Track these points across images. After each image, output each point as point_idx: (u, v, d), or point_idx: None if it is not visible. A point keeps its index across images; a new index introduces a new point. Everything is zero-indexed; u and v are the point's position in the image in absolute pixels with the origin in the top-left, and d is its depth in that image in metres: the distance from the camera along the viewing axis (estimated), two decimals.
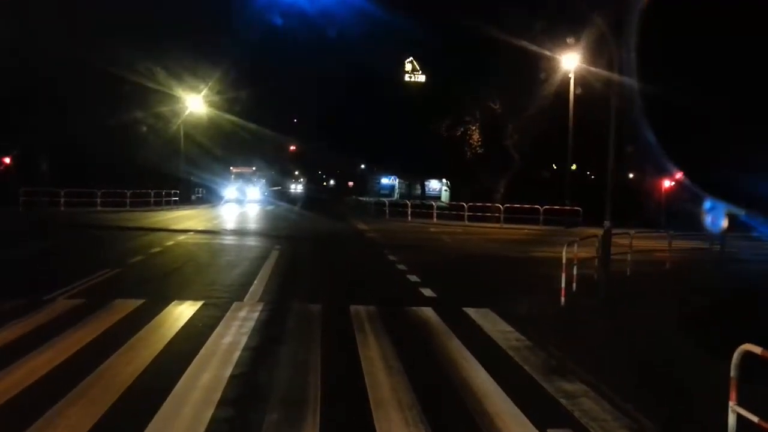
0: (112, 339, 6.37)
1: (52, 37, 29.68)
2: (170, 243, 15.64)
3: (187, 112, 37.69)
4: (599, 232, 23.85)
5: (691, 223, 23.93)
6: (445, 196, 64.00)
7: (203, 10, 42.16)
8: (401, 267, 12.64)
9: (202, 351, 6.05)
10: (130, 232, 18.97)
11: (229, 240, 17.43)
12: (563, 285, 9.11)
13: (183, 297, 8.66)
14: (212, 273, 11.07)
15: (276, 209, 36.20)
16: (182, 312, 7.75)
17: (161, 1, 37.83)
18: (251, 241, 17.10)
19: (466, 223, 26.63)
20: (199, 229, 20.58)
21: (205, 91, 38.69)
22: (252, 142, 51.80)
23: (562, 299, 9.03)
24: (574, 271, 9.96)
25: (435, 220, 27.89)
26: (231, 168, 45.99)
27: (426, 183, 70.03)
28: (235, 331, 6.86)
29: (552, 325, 7.93)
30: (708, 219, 19.59)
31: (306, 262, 13.61)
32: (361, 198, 54.76)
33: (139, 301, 8.22)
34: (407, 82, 70.32)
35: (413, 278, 11.17)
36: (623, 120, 25.58)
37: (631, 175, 40.90)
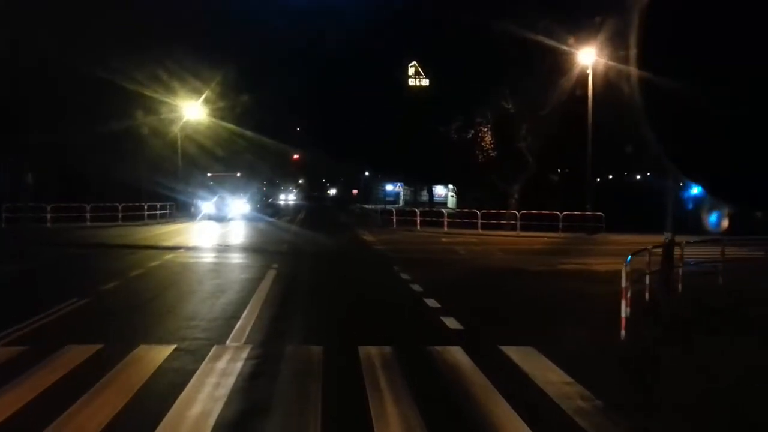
0: (41, 411, 4.70)
1: (41, 43, 28.31)
2: (155, 263, 13.98)
3: (183, 121, 35.96)
4: (625, 239, 22.01)
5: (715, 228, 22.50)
6: (451, 201, 62.28)
7: (202, 14, 40.76)
8: (416, 288, 10.95)
9: (159, 430, 4.37)
10: (116, 250, 17.33)
11: (221, 258, 15.71)
12: (624, 314, 7.34)
13: (152, 339, 7.00)
14: (194, 303, 9.37)
15: (270, 227, 29.61)
16: (146, 363, 6.06)
17: (157, 10, 36.60)
18: (246, 260, 15.42)
19: (480, 231, 24.86)
20: (191, 245, 18.94)
21: (204, 100, 37.14)
22: (254, 151, 50.26)
23: (623, 332, 7.28)
24: (628, 294, 8.22)
25: (446, 228, 26.13)
26: (208, 174, 36.58)
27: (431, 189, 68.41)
28: (209, 394, 5.17)
29: (621, 371, 6.21)
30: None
31: (306, 284, 11.88)
32: (365, 206, 53.18)
33: (96, 347, 6.55)
34: (411, 86, 68.92)
35: (432, 303, 9.46)
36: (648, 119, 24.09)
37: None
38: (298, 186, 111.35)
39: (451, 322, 8.07)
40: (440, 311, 8.82)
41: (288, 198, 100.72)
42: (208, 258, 15.56)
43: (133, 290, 10.58)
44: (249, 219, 34.36)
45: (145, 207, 29.20)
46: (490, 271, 13.99)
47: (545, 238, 22.94)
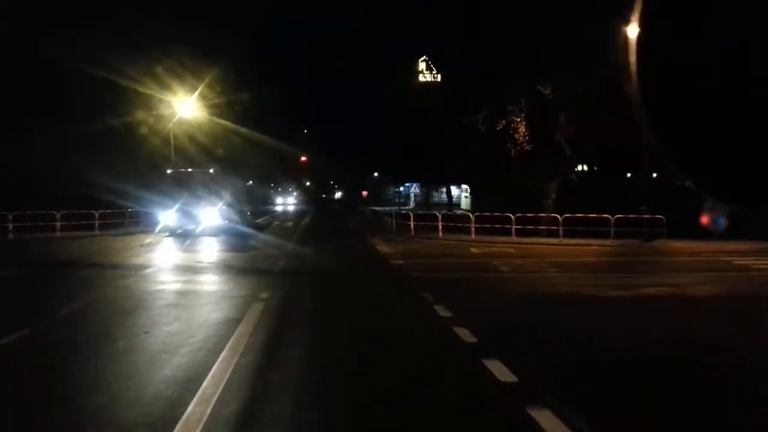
0: None
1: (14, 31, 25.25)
2: (105, 291, 10.49)
3: (176, 118, 32.45)
4: (692, 247, 18.21)
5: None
6: (465, 203, 58.86)
7: (201, 12, 37.69)
8: (463, 334, 7.34)
9: None
10: (67, 269, 13.85)
11: (195, 284, 11.95)
12: None
13: None
14: (121, 377, 5.79)
15: (261, 241, 22.14)
16: None
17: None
18: (227, 285, 11.84)
19: (514, 239, 21.13)
20: (165, 263, 15.43)
21: (203, 98, 33.84)
22: (252, 149, 47.11)
23: None
24: None
25: (473, 235, 22.40)
26: (168, 171, 25.83)
27: (442, 189, 64.70)
28: None
29: None
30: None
31: (304, 330, 8.12)
32: (376, 208, 49.69)
33: None
34: (422, 82, 65.68)
35: (499, 369, 5.84)
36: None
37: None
38: (301, 187, 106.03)
39: (551, 423, 4.46)
40: (521, 392, 5.22)
41: (287, 201, 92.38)
42: (178, 283, 11.86)
43: (46, 345, 7.06)
44: (228, 232, 24.19)
45: (126, 214, 25.60)
46: (555, 301, 10.30)
47: (594, 247, 19.24)
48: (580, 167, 31.15)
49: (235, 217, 26.22)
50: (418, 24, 43.23)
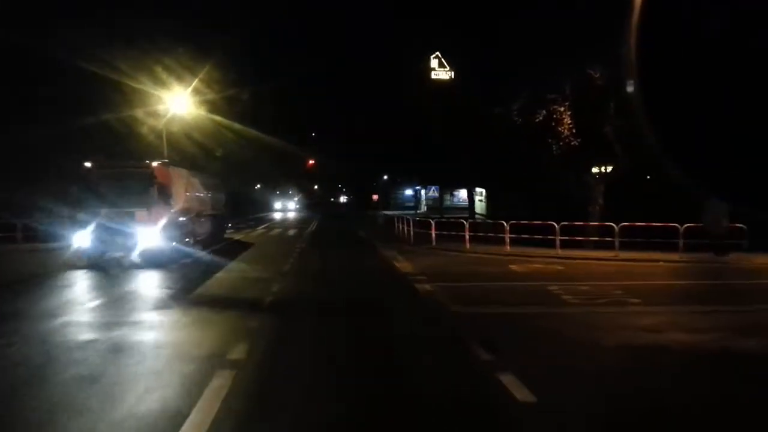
0: None
1: None
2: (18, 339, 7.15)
3: (169, 115, 29.34)
4: None
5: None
6: (480, 206, 55.41)
7: (201, 10, 34.98)
8: None
9: None
10: None
11: (142, 329, 8.39)
12: None
13: None
14: None
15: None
16: None
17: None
18: (188, 329, 8.40)
19: (560, 251, 17.57)
20: (126, 289, 12.06)
21: (202, 96, 30.90)
22: (260, 153, 44.28)
23: None
24: None
25: (508, 247, 18.83)
26: (86, 165, 15.95)
27: (454, 192, 61.27)
28: None
29: None
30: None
31: None
32: (386, 212, 46.41)
33: None
34: (435, 79, 62.47)
35: None
36: None
37: None
38: (306, 191, 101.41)
39: None
40: None
41: (287, 207, 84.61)
42: (119, 329, 8.27)
43: None
44: (177, 260, 16.32)
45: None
46: (687, 362, 6.76)
47: (662, 263, 15.73)
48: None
49: (194, 235, 19.26)
50: (429, 11, 39.96)
